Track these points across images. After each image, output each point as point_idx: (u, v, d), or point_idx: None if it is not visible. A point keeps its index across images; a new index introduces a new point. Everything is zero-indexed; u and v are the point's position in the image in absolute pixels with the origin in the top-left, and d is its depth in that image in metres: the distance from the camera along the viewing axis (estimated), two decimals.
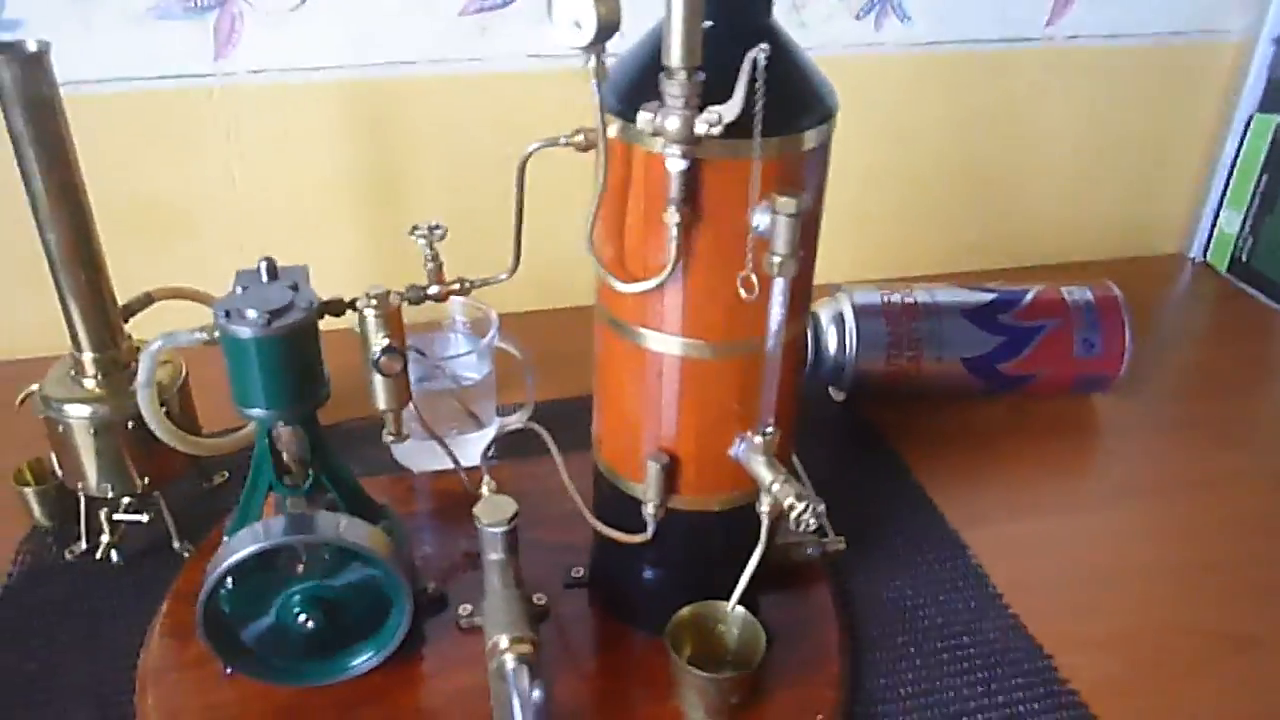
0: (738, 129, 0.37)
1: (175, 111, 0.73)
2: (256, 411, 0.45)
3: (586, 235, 0.43)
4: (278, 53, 0.72)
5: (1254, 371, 0.80)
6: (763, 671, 0.48)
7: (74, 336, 0.54)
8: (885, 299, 0.69)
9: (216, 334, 0.45)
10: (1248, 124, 0.89)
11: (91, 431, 0.54)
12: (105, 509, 0.57)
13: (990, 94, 0.85)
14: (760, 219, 0.40)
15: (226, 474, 0.64)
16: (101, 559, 0.57)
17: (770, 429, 0.45)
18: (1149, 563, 0.60)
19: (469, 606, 0.53)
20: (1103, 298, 0.70)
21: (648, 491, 0.47)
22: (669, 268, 0.41)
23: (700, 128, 0.37)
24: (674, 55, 0.37)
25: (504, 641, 0.46)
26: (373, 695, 0.50)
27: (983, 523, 0.62)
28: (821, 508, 0.42)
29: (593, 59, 0.38)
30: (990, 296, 0.70)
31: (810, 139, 0.41)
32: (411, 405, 0.50)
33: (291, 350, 0.44)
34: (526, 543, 0.50)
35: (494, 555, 0.50)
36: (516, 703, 0.42)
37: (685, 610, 0.49)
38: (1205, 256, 0.94)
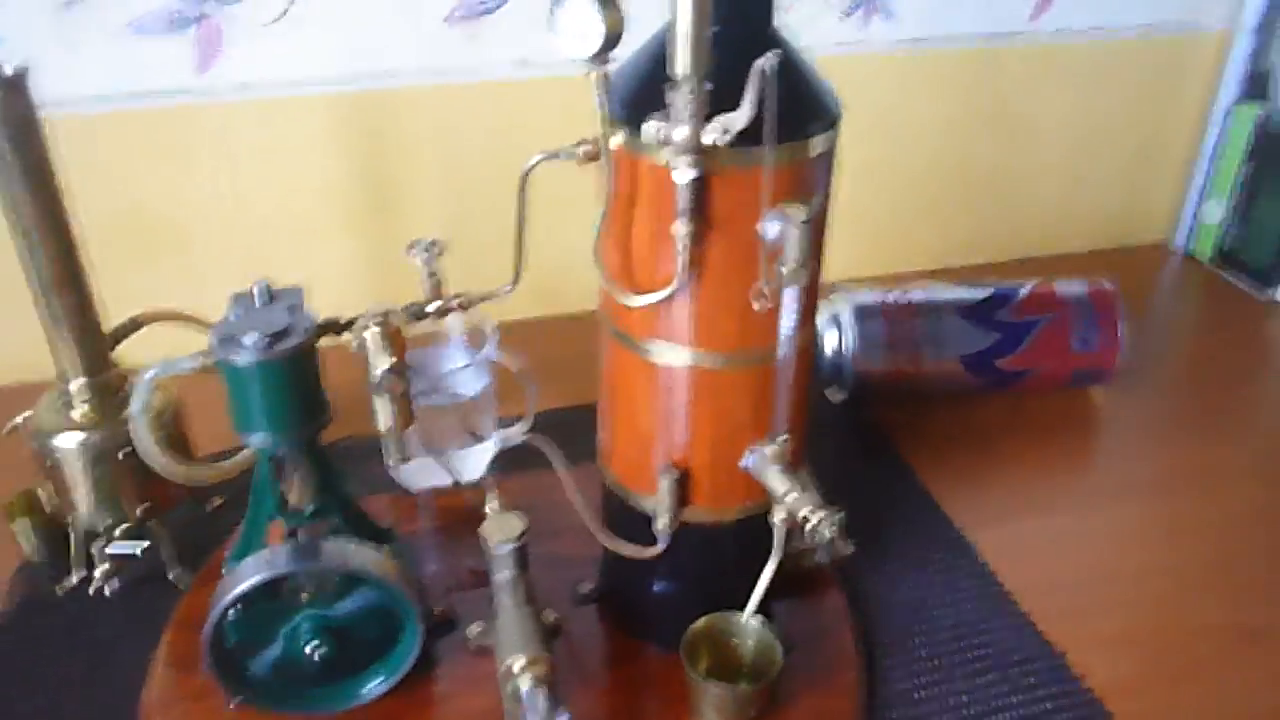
0: (745, 137, 0.37)
1: (161, 128, 0.71)
2: (258, 438, 0.44)
3: (594, 249, 0.42)
4: (261, 66, 0.71)
5: (1245, 359, 0.80)
6: (779, 681, 0.47)
7: (60, 363, 0.53)
8: (883, 299, 0.69)
9: (214, 359, 0.44)
10: (1228, 115, 0.90)
11: (83, 462, 0.53)
12: (99, 541, 0.56)
13: (978, 90, 0.85)
14: (770, 228, 0.39)
15: (222, 499, 0.62)
16: (98, 591, 0.56)
17: (783, 438, 0.44)
18: (1155, 558, 0.60)
19: (478, 627, 0.52)
20: (1096, 291, 0.70)
21: (660, 506, 0.46)
22: (678, 279, 0.40)
23: (708, 138, 0.37)
24: (681, 65, 0.36)
25: (519, 663, 0.45)
26: (386, 719, 0.49)
27: (988, 522, 0.62)
28: (840, 518, 0.42)
29: (597, 70, 0.38)
30: (985, 293, 0.70)
31: (817, 145, 0.40)
32: None
33: (292, 374, 0.43)
34: (533, 558, 0.49)
35: (504, 574, 0.50)
36: None
37: (700, 622, 0.48)
38: (1188, 246, 0.95)
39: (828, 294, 0.70)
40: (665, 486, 0.46)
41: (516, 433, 0.63)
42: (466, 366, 0.61)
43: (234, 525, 0.60)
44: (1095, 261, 0.85)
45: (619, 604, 0.54)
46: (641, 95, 0.40)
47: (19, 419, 0.54)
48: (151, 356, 0.56)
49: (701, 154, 0.37)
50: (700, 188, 0.39)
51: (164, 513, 0.56)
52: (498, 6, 0.73)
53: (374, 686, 0.48)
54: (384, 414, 0.46)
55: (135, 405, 0.44)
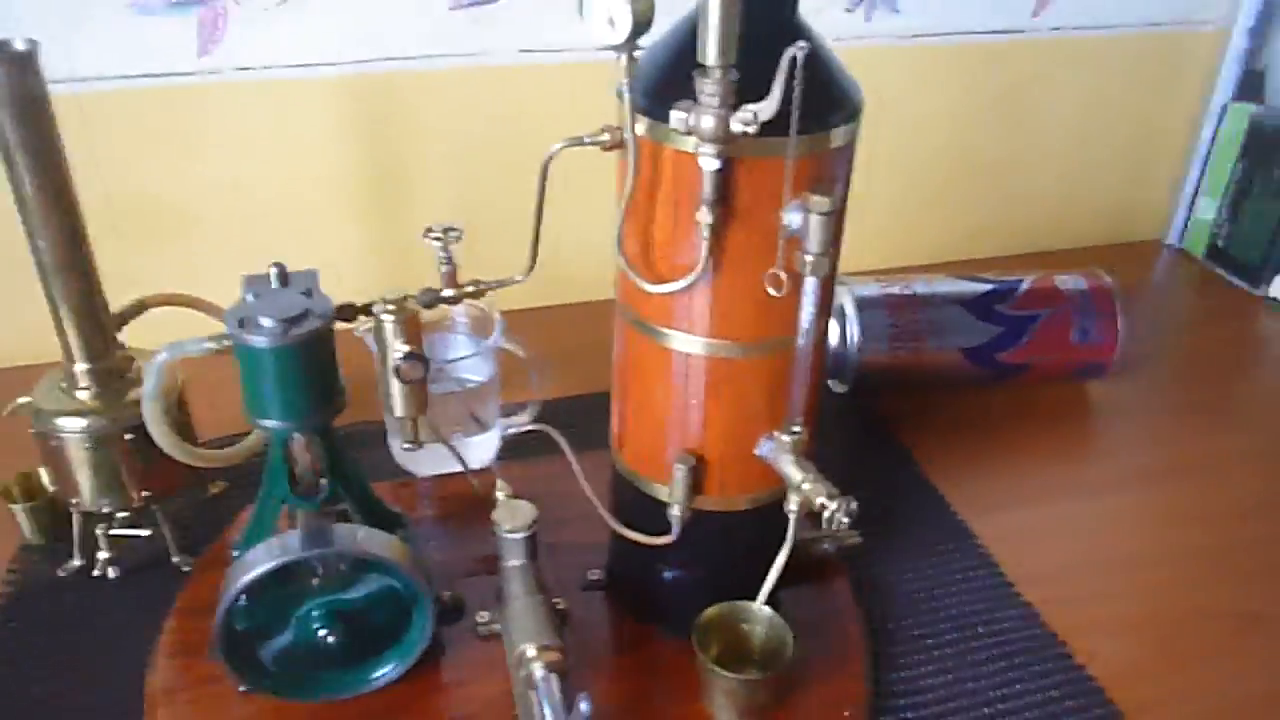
0: (769, 127, 0.37)
1: (163, 110, 0.70)
2: (271, 422, 0.44)
3: (615, 237, 0.42)
4: (264, 49, 0.70)
5: (1238, 353, 0.82)
6: (790, 669, 0.48)
7: (65, 346, 0.52)
8: (885, 291, 0.69)
9: (226, 343, 0.43)
10: (1223, 113, 0.90)
11: (87, 445, 0.52)
12: (102, 524, 0.55)
13: (980, 84, 0.86)
14: (792, 218, 0.40)
15: (224, 484, 0.62)
16: (99, 576, 0.56)
17: (799, 427, 0.44)
18: (1155, 546, 0.61)
19: (486, 614, 0.52)
20: (1096, 286, 0.71)
21: (674, 494, 0.46)
22: (700, 268, 0.40)
23: (736, 126, 0.37)
24: (710, 53, 0.36)
25: (531, 650, 0.45)
26: (393, 707, 0.49)
27: (990, 511, 0.63)
28: (854, 506, 0.42)
29: (624, 57, 0.37)
30: (987, 287, 0.70)
31: (839, 136, 0.41)
32: None
33: (308, 359, 0.43)
34: (541, 546, 0.49)
35: (514, 561, 0.50)
36: (549, 712, 0.42)
37: (711, 610, 0.48)
38: (1180, 243, 0.96)
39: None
40: (680, 474, 0.46)
41: (524, 420, 0.63)
42: (474, 355, 0.61)
43: (236, 511, 0.60)
44: (1091, 256, 0.86)
45: (626, 591, 0.54)
46: (666, 83, 0.39)
47: (20, 400, 0.53)
48: (152, 341, 0.55)
49: (728, 143, 0.37)
50: (724, 177, 0.39)
51: (166, 498, 0.56)
52: None
53: (385, 673, 0.48)
54: (400, 399, 0.45)
55: (148, 387, 0.44)
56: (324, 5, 0.70)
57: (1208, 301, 0.89)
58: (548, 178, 0.43)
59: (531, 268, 0.47)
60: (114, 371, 0.53)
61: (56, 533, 0.57)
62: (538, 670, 0.44)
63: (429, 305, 0.47)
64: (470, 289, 0.48)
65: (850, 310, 0.69)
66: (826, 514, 0.42)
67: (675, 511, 0.47)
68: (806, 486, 0.43)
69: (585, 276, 0.73)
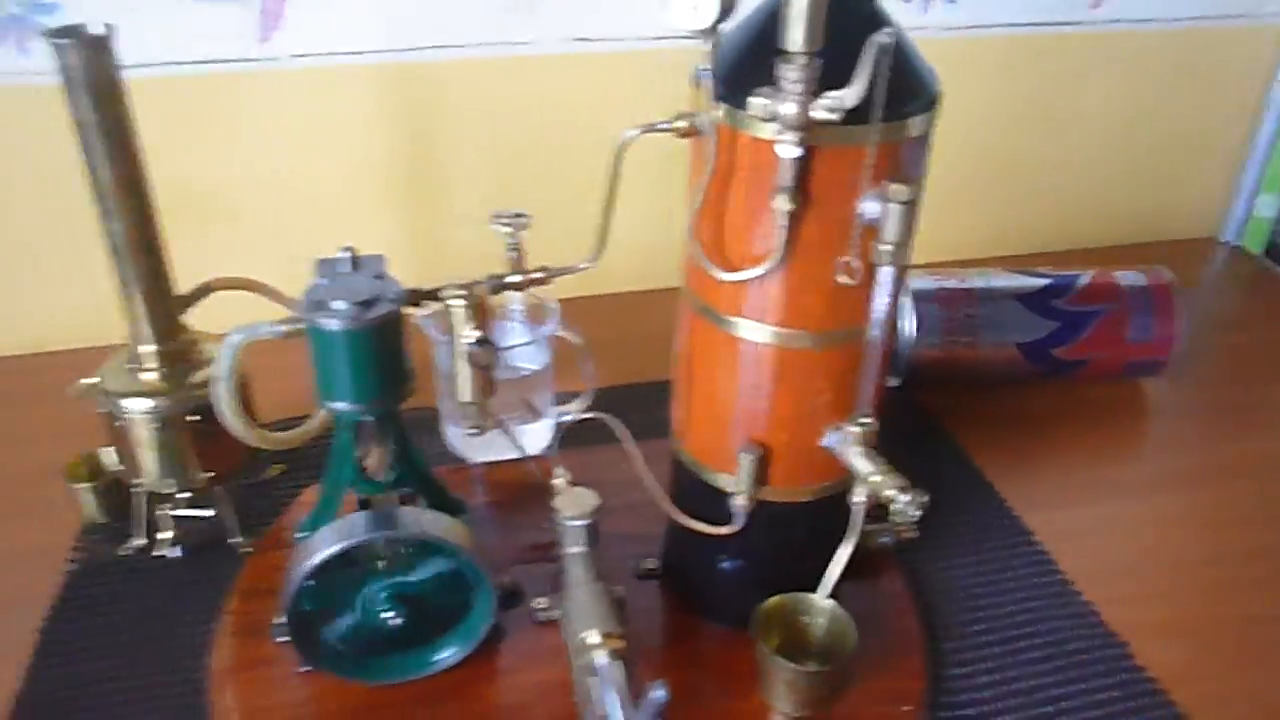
0: (850, 115, 0.37)
1: (217, 96, 0.71)
2: (342, 405, 0.44)
3: (689, 224, 0.42)
4: (321, 36, 0.70)
5: None
6: (852, 662, 0.48)
7: (134, 328, 0.53)
8: (940, 285, 0.69)
9: (299, 325, 0.43)
10: None
11: (153, 426, 0.53)
12: (164, 505, 0.56)
13: (1032, 78, 0.84)
14: (870, 206, 0.39)
15: (283, 466, 0.62)
16: (160, 556, 0.56)
17: (868, 419, 0.44)
18: (1212, 547, 0.60)
19: (544, 600, 0.52)
20: (1156, 283, 0.70)
21: (739, 483, 0.46)
22: (776, 256, 0.40)
23: (817, 114, 0.37)
24: (795, 39, 0.36)
25: (594, 637, 0.45)
26: (452, 691, 0.49)
27: (1044, 508, 0.62)
28: (925, 499, 0.42)
29: (709, 43, 0.37)
30: (1044, 282, 0.70)
31: (917, 125, 0.40)
32: None
33: (381, 342, 0.43)
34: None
35: (575, 548, 0.50)
36: (616, 700, 0.42)
37: (771, 601, 0.48)
38: (1239, 240, 0.95)
39: None
40: (746, 465, 0.46)
41: (576, 407, 0.63)
42: (530, 342, 0.61)
43: (294, 493, 0.61)
44: (1141, 253, 0.85)
45: (682, 580, 0.54)
46: (744, 70, 0.39)
47: (87, 381, 0.54)
48: (204, 324, 0.56)
49: (808, 130, 0.37)
50: (803, 164, 0.38)
51: (226, 479, 0.57)
52: None
53: (447, 656, 0.49)
54: (467, 384, 0.46)
55: (220, 369, 0.44)
56: None
57: (1265, 299, 0.88)
58: (620, 162, 0.43)
59: (599, 254, 0.47)
60: (180, 353, 0.54)
61: (118, 513, 0.58)
62: (601, 657, 0.44)
63: (496, 291, 0.48)
64: (538, 275, 0.48)
65: (905, 303, 0.68)
66: (896, 507, 0.42)
67: (740, 502, 0.47)
68: (876, 479, 0.43)
69: (630, 267, 0.73)
